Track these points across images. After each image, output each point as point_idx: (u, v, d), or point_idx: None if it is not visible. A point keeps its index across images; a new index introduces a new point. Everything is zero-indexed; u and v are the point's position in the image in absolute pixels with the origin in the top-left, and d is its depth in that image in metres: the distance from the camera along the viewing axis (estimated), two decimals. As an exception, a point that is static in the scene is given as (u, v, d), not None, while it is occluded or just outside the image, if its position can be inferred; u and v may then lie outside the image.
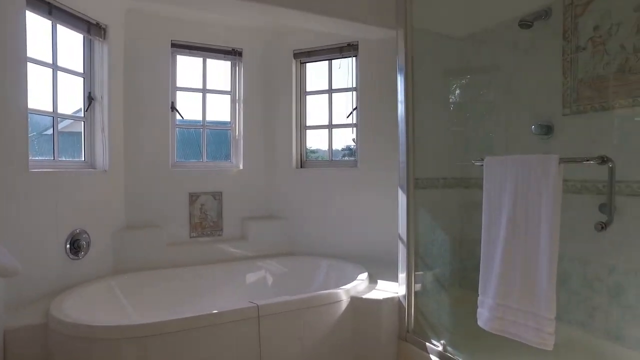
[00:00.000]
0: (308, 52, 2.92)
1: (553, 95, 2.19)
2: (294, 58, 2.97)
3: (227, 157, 2.99)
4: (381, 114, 2.72)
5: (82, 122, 2.37)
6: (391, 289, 2.16)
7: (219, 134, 2.99)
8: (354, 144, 2.91)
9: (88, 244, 2.22)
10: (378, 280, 2.31)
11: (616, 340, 1.87)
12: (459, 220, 2.69)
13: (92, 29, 2.31)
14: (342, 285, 2.16)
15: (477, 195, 2.60)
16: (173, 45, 2.70)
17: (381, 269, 2.49)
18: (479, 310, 1.60)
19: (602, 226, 1.49)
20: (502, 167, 1.56)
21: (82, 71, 2.34)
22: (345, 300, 2.04)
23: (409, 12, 2.10)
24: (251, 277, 2.63)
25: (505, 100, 2.46)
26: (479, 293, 1.61)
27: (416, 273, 2.11)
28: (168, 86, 2.69)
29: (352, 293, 2.08)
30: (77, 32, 2.26)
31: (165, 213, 2.67)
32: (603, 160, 1.39)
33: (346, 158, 3.00)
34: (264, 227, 2.88)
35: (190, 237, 2.74)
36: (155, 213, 2.65)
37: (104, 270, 2.35)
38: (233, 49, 2.88)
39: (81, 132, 2.38)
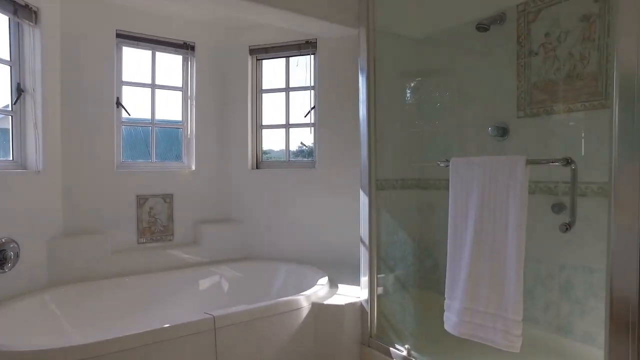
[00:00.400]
0: (265, 48, 2.81)
1: (508, 98, 2.24)
2: (250, 54, 2.85)
3: (178, 157, 2.81)
4: (340, 114, 2.67)
5: (10, 117, 2.11)
6: (353, 293, 2.11)
7: (169, 132, 2.81)
8: (304, 146, 2.84)
9: (16, 255, 1.97)
10: (339, 285, 2.25)
11: (566, 335, 1.95)
12: (418, 221, 2.70)
13: (19, 11, 2.06)
14: (301, 291, 2.07)
15: (435, 196, 2.64)
16: (118, 35, 2.49)
17: (341, 273, 2.44)
18: (445, 314, 1.58)
19: (567, 227, 1.51)
20: (468, 169, 1.55)
21: (8, 58, 2.08)
22: (306, 306, 1.96)
23: (371, 12, 2.06)
24: (205, 285, 2.48)
25: (462, 101, 2.49)
26: (446, 297, 1.60)
27: (378, 276, 2.07)
28: (113, 80, 2.48)
29: (313, 299, 2.01)
30: (2, 13, 2.01)
31: (109, 218, 2.46)
32: (567, 161, 1.41)
33: (299, 159, 2.91)
34: (218, 231, 2.73)
35: (138, 243, 2.54)
36: (98, 218, 2.43)
37: (38, 284, 2.11)
38: (185, 43, 2.71)
39: (9, 128, 2.12)
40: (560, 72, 2.06)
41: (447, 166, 1.71)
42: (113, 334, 1.50)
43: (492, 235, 1.43)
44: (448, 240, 1.63)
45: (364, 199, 2.08)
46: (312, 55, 2.76)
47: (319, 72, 2.72)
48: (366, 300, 2.02)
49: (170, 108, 2.77)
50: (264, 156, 2.96)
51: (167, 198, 2.63)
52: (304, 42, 2.73)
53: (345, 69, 2.64)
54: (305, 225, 2.75)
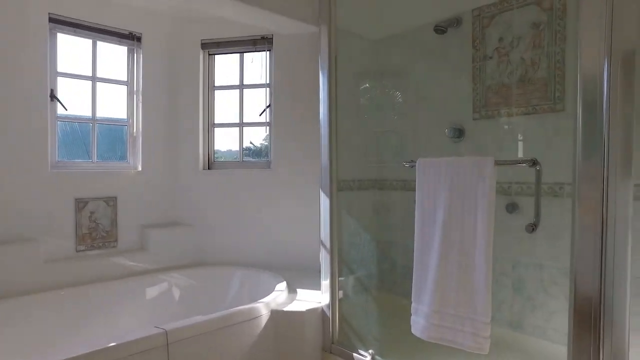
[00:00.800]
0: (217, 42, 2.67)
1: (464, 100, 2.29)
2: (202, 48, 2.70)
3: (123, 156, 2.60)
4: (297, 113, 2.59)
5: None
6: (313, 298, 2.05)
7: (112, 130, 2.59)
8: (253, 145, 2.74)
9: None
10: (297, 290, 2.18)
11: (517, 329, 2.01)
12: (376, 222, 2.69)
13: None
14: (258, 297, 1.98)
15: (392, 197, 2.65)
16: (52, 19, 2.24)
17: (299, 277, 2.37)
18: (413, 318, 1.56)
19: (533, 227, 1.54)
20: (436, 169, 1.53)
21: None
22: (265, 314, 1.87)
23: (333, 10, 2.00)
24: (154, 294, 2.31)
25: (420, 103, 2.51)
26: (413, 300, 1.57)
27: (339, 279, 2.02)
28: (46, 70, 2.23)
29: (273, 306, 1.92)
30: None
31: (43, 223, 2.20)
32: (534, 162, 1.43)
33: (254, 159, 2.80)
34: (167, 235, 2.56)
35: (77, 251, 2.30)
36: (28, 224, 2.17)
37: (-45, 300, 1.85)
38: (131, 33, 2.51)
39: None
40: (513, 76, 2.13)
41: (413, 167, 1.69)
42: (48, 358, 1.33)
43: (460, 236, 1.43)
44: (415, 242, 1.61)
45: (324, 200, 2.02)
46: (268, 52, 2.67)
47: (275, 69, 2.63)
48: (327, 305, 1.96)
49: (113, 103, 2.55)
50: (217, 156, 2.82)
51: (111, 201, 2.42)
52: (259, 37, 2.63)
53: (303, 67, 2.57)
54: (261, 228, 2.65)
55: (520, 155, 2.08)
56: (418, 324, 1.53)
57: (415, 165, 1.67)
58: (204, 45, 2.69)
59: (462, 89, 2.30)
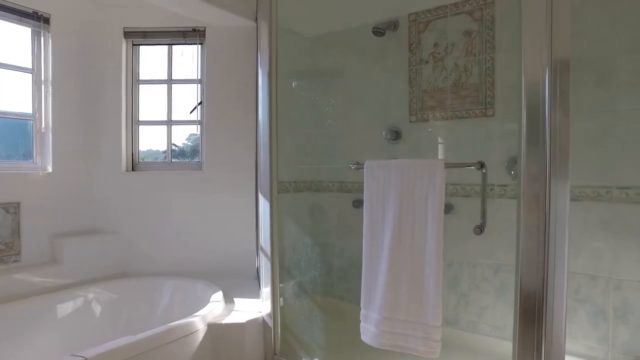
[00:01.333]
0: (143, 32, 2.44)
1: (401, 102, 2.32)
2: (125, 38, 2.44)
3: (28, 156, 2.25)
4: (231, 111, 2.45)
5: None
6: (252, 308, 1.93)
7: (14, 125, 2.23)
8: (175, 147, 2.56)
9: None
10: (235, 299, 2.04)
11: (453, 325, 2.09)
12: (313, 225, 2.63)
13: None
14: (192, 310, 1.82)
15: (328, 199, 2.61)
16: None
17: (237, 285, 2.23)
18: (362, 325, 1.51)
19: (480, 229, 1.57)
20: (385, 172, 1.50)
21: None
22: (201, 329, 1.71)
23: (274, 5, 1.90)
24: (70, 314, 2.02)
25: (357, 104, 2.50)
26: (362, 307, 1.53)
27: (280, 285, 1.93)
28: None
29: (210, 319, 1.77)
30: None
31: None
32: (481, 165, 1.46)
33: (185, 160, 2.61)
34: (84, 245, 2.26)
35: (-33, 268, 1.95)
36: None
37: None
38: (35, 12, 2.18)
39: None
40: (447, 80, 2.20)
41: (358, 169, 1.65)
42: None
43: (410, 239, 1.41)
44: (363, 247, 1.57)
45: (264, 204, 1.92)
46: (200, 45, 2.49)
47: (208, 64, 2.46)
48: (269, 315, 1.86)
49: (15, 94, 2.21)
50: (142, 157, 2.57)
51: (12, 208, 2.08)
52: (190, 29, 2.44)
53: (238, 62, 2.44)
54: (192, 234, 2.46)
55: (455, 158, 2.15)
56: (368, 332, 1.49)
57: (360, 168, 1.64)
58: (127, 34, 2.44)
59: (398, 91, 2.33)
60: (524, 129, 1.23)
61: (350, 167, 1.69)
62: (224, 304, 1.96)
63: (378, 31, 2.32)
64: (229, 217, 2.46)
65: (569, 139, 1.20)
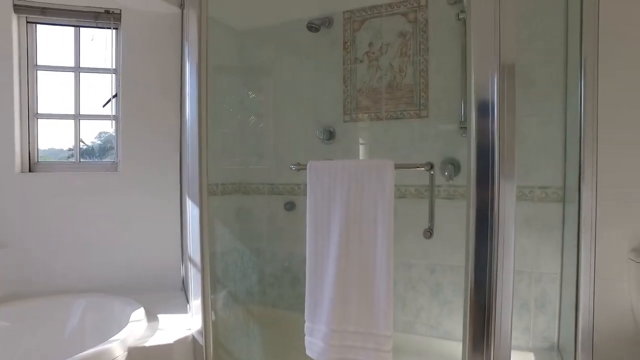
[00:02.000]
0: (42, 8, 2.08)
1: (335, 101, 2.27)
2: (16, 12, 2.06)
3: None
4: (152, 106, 2.20)
5: None
6: (180, 325, 1.73)
7: None
8: (84, 144, 2.26)
9: None
10: (159, 316, 1.81)
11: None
12: (244, 230, 2.48)
13: None
14: (108, 332, 1.57)
15: (258, 202, 2.47)
16: None
17: (160, 300, 1.99)
18: (308, 339, 1.40)
19: (430, 233, 1.54)
20: (331, 173, 1.41)
21: None
22: (121, 355, 1.48)
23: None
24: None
25: (289, 102, 2.40)
26: (307, 319, 1.42)
27: (211, 296, 1.75)
28: None
29: (130, 342, 1.54)
30: None
31: None
32: (431, 166, 1.43)
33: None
34: (-37, 262, 1.86)
35: None
36: None
37: None
38: None
39: None
40: (382, 81, 2.19)
41: (299, 170, 1.55)
42: None
43: (359, 245, 1.33)
44: (307, 255, 1.46)
45: (192, 208, 1.72)
46: (115, 31, 2.20)
47: (124, 52, 2.18)
48: (199, 331, 1.67)
49: None
50: (42, 155, 2.20)
51: None
52: (102, 10, 2.14)
53: (161, 53, 2.20)
54: (107, 244, 2.15)
55: (391, 158, 2.14)
56: (316, 346, 1.38)
57: (302, 169, 1.53)
58: (19, 9, 2.06)
59: (333, 90, 2.28)
60: (473, 131, 1.23)
61: (291, 168, 1.58)
62: (146, 322, 1.72)
63: (312, 27, 2.24)
64: (150, 224, 2.21)
65: (514, 141, 1.22)
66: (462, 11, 1.93)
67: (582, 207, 1.37)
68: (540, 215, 1.84)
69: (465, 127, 1.93)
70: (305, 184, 2.34)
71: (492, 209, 1.21)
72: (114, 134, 2.23)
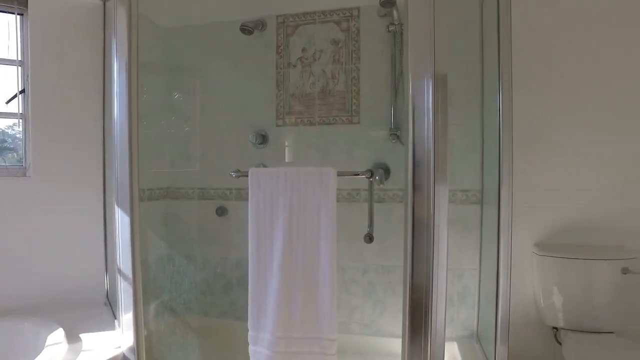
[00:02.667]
0: None
1: (268, 105, 2.26)
2: None
3: None
4: (68, 105, 2.00)
5: None
6: (108, 343, 1.59)
7: None
8: None
9: None
10: (81, 336, 1.65)
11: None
12: (174, 237, 2.36)
13: None
14: None
15: (188, 207, 2.37)
16: None
17: (81, 317, 1.81)
18: (252, 348, 1.37)
19: (370, 238, 1.59)
20: (273, 181, 1.40)
21: None
22: (38, 383, 1.32)
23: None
24: None
25: (220, 104, 2.35)
26: (250, 328, 1.39)
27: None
28: None
29: (49, 369, 1.38)
30: None
31: None
32: (371, 174, 1.48)
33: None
34: None
35: None
36: None
37: None
38: None
39: None
40: (315, 86, 2.23)
41: (240, 176, 1.51)
42: None
43: (303, 251, 1.34)
44: (250, 263, 1.43)
45: (122, 217, 1.60)
46: (20, 17, 1.96)
47: (32, 42, 1.95)
48: (132, 349, 1.55)
49: None
50: None
51: None
52: (5, -6, 1.90)
53: (77, 46, 2.01)
54: (14, 258, 1.90)
55: (323, 163, 2.19)
56: (261, 355, 1.36)
57: (242, 176, 1.50)
58: None
59: (265, 94, 2.27)
60: (410, 137, 1.30)
61: (230, 175, 1.54)
62: (67, 345, 1.56)
63: (246, 29, 2.21)
64: (67, 234, 1.99)
65: (447, 146, 1.32)
66: (392, 24, 2.03)
67: (501, 207, 1.52)
68: (461, 216, 2.01)
69: (395, 134, 2.07)
70: (238, 189, 2.32)
71: (427, 211, 1.29)
72: (19, 135, 1.99)
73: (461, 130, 2.00)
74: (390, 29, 2.04)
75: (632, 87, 1.84)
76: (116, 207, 1.61)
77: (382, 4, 1.97)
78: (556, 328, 1.82)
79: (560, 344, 1.76)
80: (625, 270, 1.69)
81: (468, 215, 2.00)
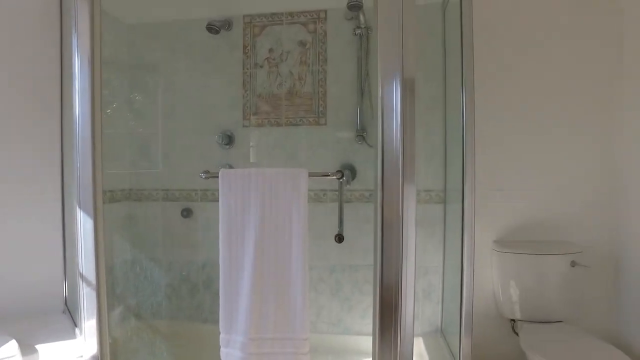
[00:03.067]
0: None
1: (234, 106, 2.25)
2: None
3: None
4: (22, 101, 1.89)
5: None
6: (68, 353, 1.52)
7: None
8: None
9: None
10: (37, 347, 1.55)
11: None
12: (138, 239, 2.29)
13: None
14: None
15: (152, 209, 2.30)
16: None
17: (37, 326, 1.70)
18: (224, 351, 1.36)
19: (340, 237, 1.61)
20: (245, 182, 1.39)
21: None
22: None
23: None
24: None
25: (186, 104, 2.30)
26: (222, 331, 1.37)
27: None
28: None
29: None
30: None
31: None
32: (342, 175, 1.50)
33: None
34: None
35: None
36: None
37: None
38: None
39: None
40: (282, 87, 2.24)
41: (210, 178, 1.50)
42: None
43: (275, 253, 1.34)
44: (221, 263, 1.41)
45: (85, 220, 1.54)
46: (-34, 8, 1.82)
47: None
48: (95, 357, 1.49)
49: None
50: None
51: None
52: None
53: (30, 39, 1.90)
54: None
55: (291, 164, 2.20)
56: (233, 357, 1.35)
57: (212, 177, 1.49)
58: None
59: (232, 94, 2.25)
60: (380, 138, 1.34)
61: (200, 177, 1.52)
62: (21, 358, 1.47)
63: (212, 28, 2.18)
64: (21, 238, 1.88)
65: (414, 148, 1.36)
66: (358, 27, 2.08)
67: (465, 206, 1.59)
68: (425, 215, 2.08)
69: (361, 135, 2.11)
70: (203, 190, 2.28)
71: (396, 211, 1.34)
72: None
73: (426, 132, 2.07)
74: (356, 32, 2.08)
75: (580, 93, 1.99)
76: (78, 209, 1.54)
77: (349, 8, 2.00)
78: (513, 320, 1.92)
79: (517, 335, 1.87)
80: (573, 264, 1.81)
81: (431, 214, 2.07)
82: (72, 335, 1.61)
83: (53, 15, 1.95)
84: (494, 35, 2.03)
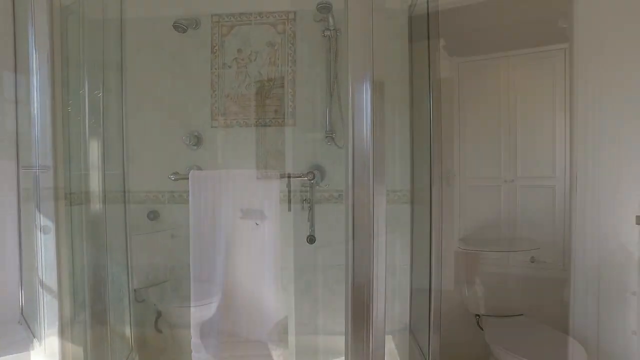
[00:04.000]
0: None
1: (203, 106, 2.21)
2: None
3: None
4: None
5: None
6: (26, 363, 1.44)
7: None
8: None
9: None
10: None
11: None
12: (100, 243, 2.20)
13: None
14: None
15: (116, 211, 2.22)
16: None
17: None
18: (195, 355, 1.33)
19: (312, 238, 1.61)
20: (215, 184, 1.37)
21: None
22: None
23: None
24: None
25: (151, 103, 2.24)
26: (193, 335, 1.34)
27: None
28: None
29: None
30: None
31: None
32: (313, 176, 1.50)
33: None
34: None
35: None
36: None
37: None
38: None
39: None
40: (251, 88, 2.22)
41: (179, 179, 1.46)
42: None
43: (247, 254, 1.33)
44: (192, 266, 1.39)
45: (45, 223, 1.46)
46: None
47: None
48: (56, 366, 1.43)
49: None
50: None
51: None
52: None
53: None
54: None
55: (260, 165, 2.18)
56: (206, 360, 1.33)
57: (182, 179, 1.46)
58: None
59: (200, 94, 2.21)
60: (351, 139, 1.35)
61: (169, 178, 1.49)
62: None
63: (180, 27, 2.14)
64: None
65: (385, 147, 1.39)
66: (327, 29, 2.09)
67: (433, 206, 1.64)
68: (392, 215, 2.12)
69: (330, 136, 2.13)
70: (170, 192, 2.22)
71: (367, 211, 1.36)
72: None
73: (390, 133, 2.11)
74: (325, 34, 2.09)
75: (537, 92, 2.09)
76: (37, 213, 1.46)
77: (318, 9, 2.01)
78: (478, 315, 1.99)
79: (482, 329, 1.94)
80: (532, 259, 1.90)
81: (398, 214, 2.11)
82: (30, 347, 1.53)
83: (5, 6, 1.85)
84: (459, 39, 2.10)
